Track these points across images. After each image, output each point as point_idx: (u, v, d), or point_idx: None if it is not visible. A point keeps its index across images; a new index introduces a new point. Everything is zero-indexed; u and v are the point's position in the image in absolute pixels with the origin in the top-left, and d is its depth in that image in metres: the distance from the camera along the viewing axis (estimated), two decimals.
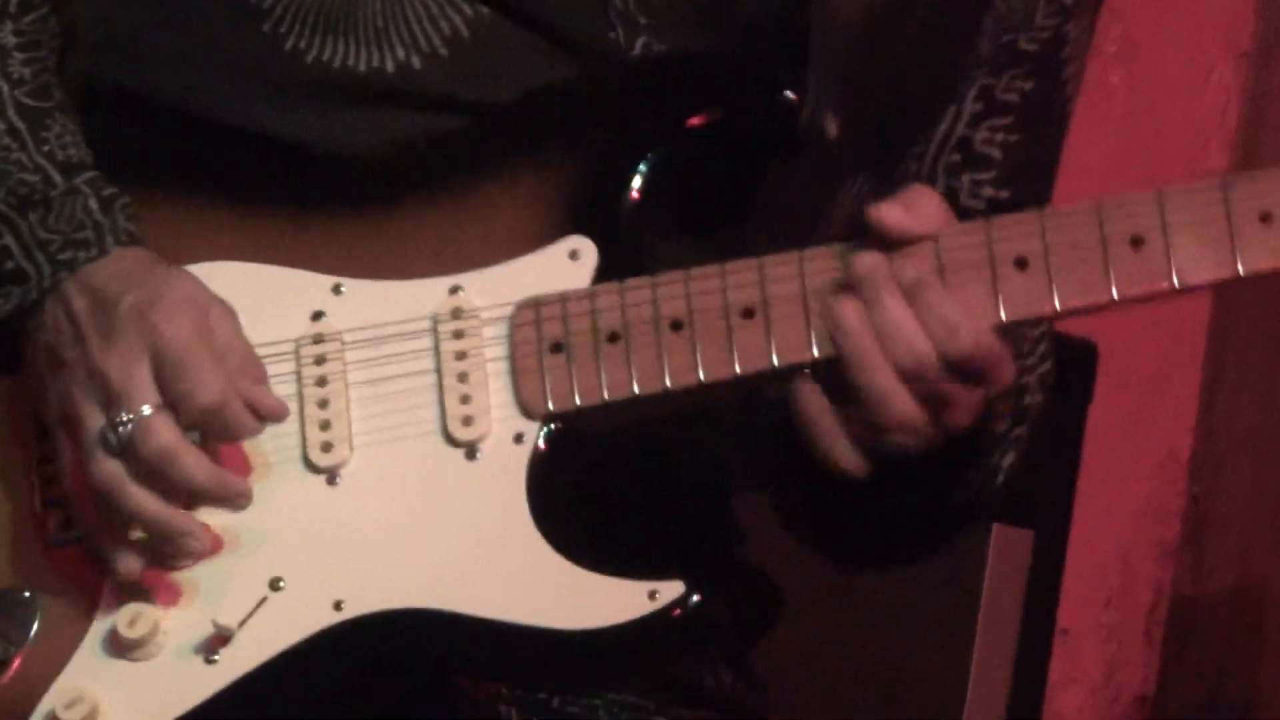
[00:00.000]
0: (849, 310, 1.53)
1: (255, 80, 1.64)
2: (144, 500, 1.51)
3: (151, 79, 1.66)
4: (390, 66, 1.64)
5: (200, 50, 1.65)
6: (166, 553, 1.52)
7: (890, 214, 1.55)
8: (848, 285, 1.54)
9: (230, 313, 1.54)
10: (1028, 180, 1.77)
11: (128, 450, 1.49)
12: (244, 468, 1.54)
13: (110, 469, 1.50)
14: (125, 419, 1.49)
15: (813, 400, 1.54)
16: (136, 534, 1.52)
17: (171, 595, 1.52)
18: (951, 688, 3.11)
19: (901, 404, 1.52)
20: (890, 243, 1.54)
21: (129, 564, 1.53)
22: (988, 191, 1.74)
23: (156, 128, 1.64)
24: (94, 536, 1.54)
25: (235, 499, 1.53)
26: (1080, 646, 3.65)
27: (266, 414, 1.53)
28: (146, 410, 1.49)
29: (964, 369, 1.52)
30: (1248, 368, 3.71)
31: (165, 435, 1.50)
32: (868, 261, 1.53)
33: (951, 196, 1.69)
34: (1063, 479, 3.12)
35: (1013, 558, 3.17)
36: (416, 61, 1.64)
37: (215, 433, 1.52)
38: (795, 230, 1.63)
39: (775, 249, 1.57)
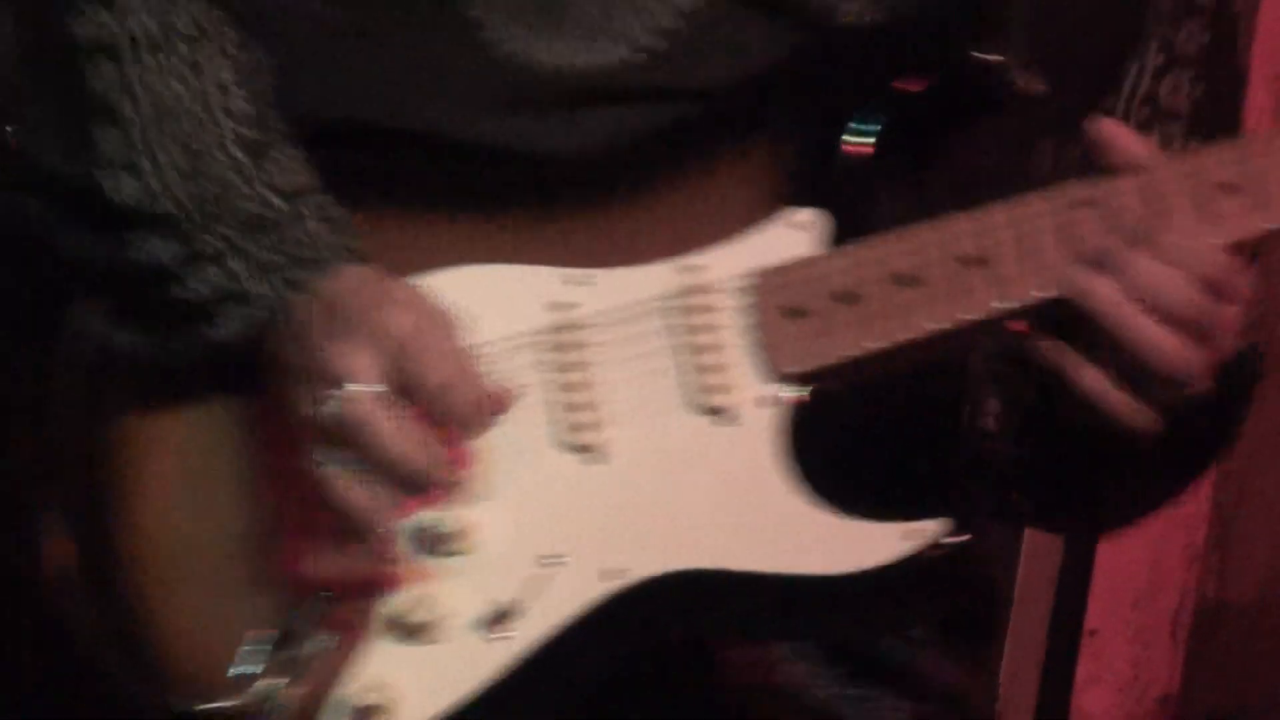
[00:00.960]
0: (1096, 282, 1.58)
1: (473, 91, 1.66)
2: (347, 486, 1.52)
3: (372, 106, 1.67)
4: (609, 63, 1.66)
5: (416, 70, 1.66)
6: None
7: (1119, 130, 1.60)
8: (1082, 250, 1.58)
9: (450, 320, 1.56)
10: (1215, 130, 1.77)
11: (330, 423, 1.50)
12: (472, 459, 1.56)
13: (319, 450, 1.52)
14: (334, 394, 1.50)
15: (1084, 371, 1.59)
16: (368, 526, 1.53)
17: (444, 578, 1.56)
18: (982, 686, 3.18)
19: (1172, 349, 1.56)
20: (1101, 180, 1.59)
21: (366, 561, 1.55)
22: (1178, 145, 1.76)
23: (379, 150, 1.66)
24: (334, 535, 1.55)
25: (439, 468, 1.53)
26: (1107, 646, 3.68)
27: (495, 401, 1.55)
28: (352, 386, 1.50)
29: (1214, 291, 1.56)
30: (1277, 373, 3.70)
31: (369, 405, 1.49)
32: (1094, 224, 1.58)
33: None
34: None
35: (1043, 559, 3.20)
36: (635, 57, 1.66)
37: (447, 415, 1.53)
38: (997, 188, 1.65)
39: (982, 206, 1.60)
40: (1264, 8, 3.82)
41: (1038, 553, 3.31)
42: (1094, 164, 1.62)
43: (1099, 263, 1.58)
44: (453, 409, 1.52)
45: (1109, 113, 1.73)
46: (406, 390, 1.51)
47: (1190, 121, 1.78)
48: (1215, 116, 1.79)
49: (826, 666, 1.70)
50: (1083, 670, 3.46)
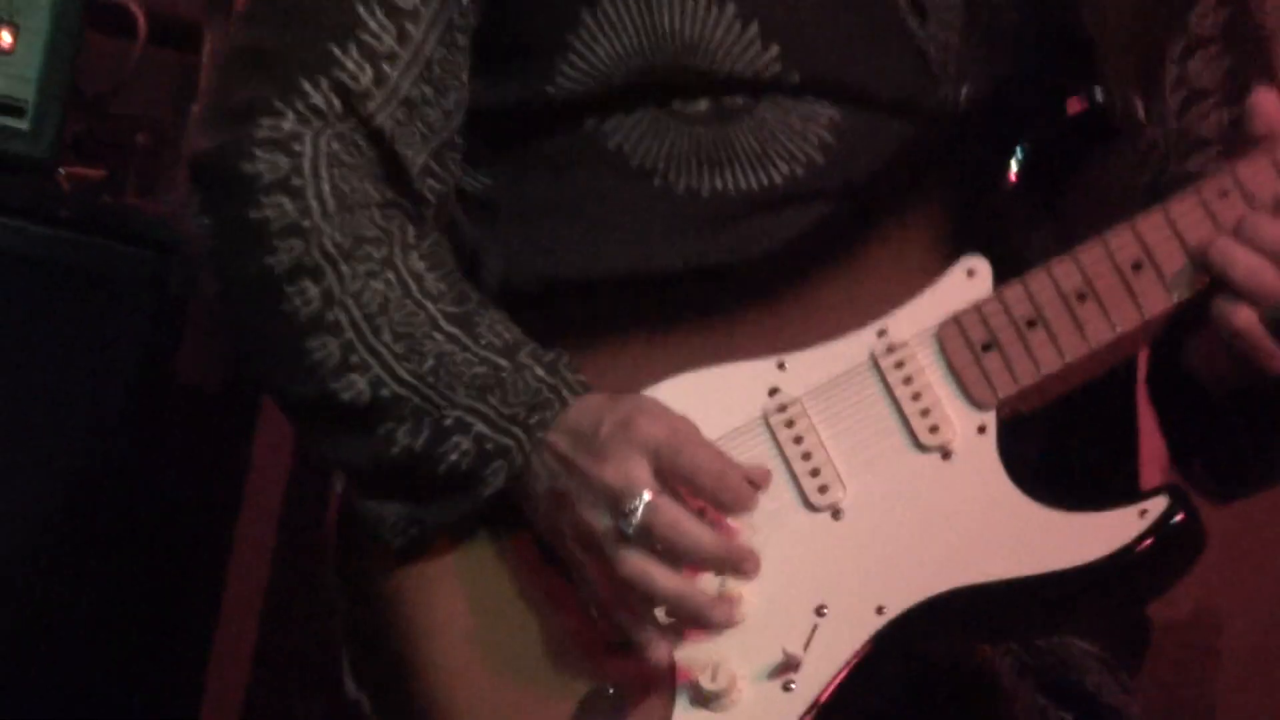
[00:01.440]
0: (1238, 253, 1.72)
1: (654, 227, 1.80)
2: (668, 578, 1.65)
3: (568, 263, 1.82)
4: (777, 180, 1.80)
5: (604, 224, 1.81)
6: (694, 623, 1.67)
7: (1271, 100, 1.73)
8: (1221, 227, 1.73)
9: (689, 421, 1.71)
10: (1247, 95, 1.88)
11: (641, 533, 1.64)
12: (738, 532, 1.71)
13: (633, 558, 1.65)
14: (633, 506, 1.64)
15: (1237, 310, 1.72)
16: (664, 618, 1.66)
17: (728, 644, 1.70)
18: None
19: None
20: (1238, 163, 1.73)
21: (662, 650, 1.67)
22: (1213, 117, 1.93)
23: (575, 298, 1.81)
24: (633, 631, 1.68)
25: (742, 561, 1.68)
26: None
27: (756, 481, 1.70)
28: (648, 495, 1.64)
29: None
30: None
31: (672, 509, 1.65)
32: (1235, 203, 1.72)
33: (1183, 135, 1.91)
34: None
35: None
36: (799, 171, 1.80)
37: (722, 503, 1.69)
38: (1126, 204, 1.80)
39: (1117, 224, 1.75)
40: None
41: None
42: (1241, 132, 1.77)
43: (1237, 234, 1.72)
44: (727, 493, 1.67)
45: (1152, 110, 1.89)
46: (682, 488, 1.67)
47: (1224, 95, 1.93)
48: (1245, 83, 1.89)
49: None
50: None
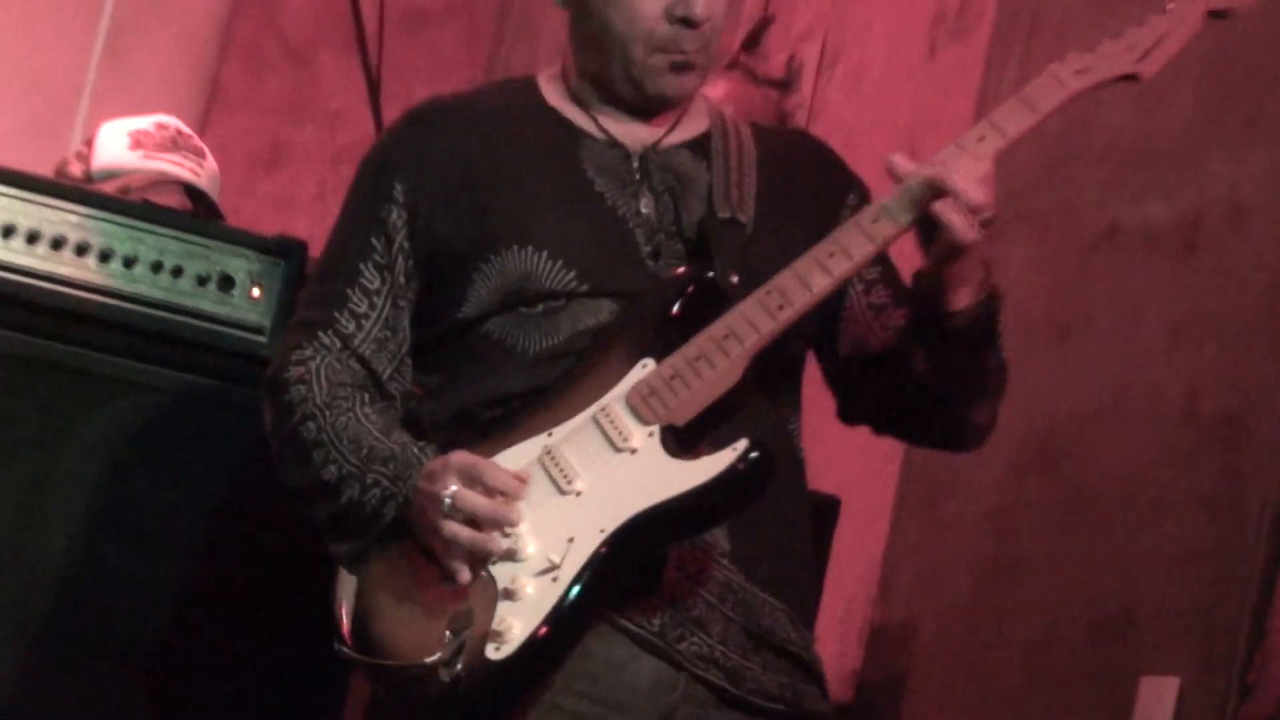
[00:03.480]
0: (940, 204, 2.60)
1: (510, 371, 2.77)
2: (467, 532, 2.63)
3: (468, 397, 2.81)
4: (577, 343, 2.76)
5: (487, 373, 2.79)
6: (485, 554, 2.64)
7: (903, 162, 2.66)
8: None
9: (481, 460, 2.69)
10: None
11: (450, 509, 2.63)
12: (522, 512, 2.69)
13: (448, 524, 2.63)
14: (448, 495, 2.64)
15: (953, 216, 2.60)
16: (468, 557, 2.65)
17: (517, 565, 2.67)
18: None
19: (967, 222, 2.60)
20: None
21: (466, 575, 2.64)
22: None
23: (471, 412, 2.79)
24: (456, 570, 2.65)
25: (507, 516, 2.63)
26: None
27: (521, 477, 2.66)
28: (454, 487, 2.63)
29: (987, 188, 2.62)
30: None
31: (465, 494, 2.63)
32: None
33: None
34: None
35: (1160, 707, 3.63)
36: (586, 336, 2.77)
37: (503, 490, 2.64)
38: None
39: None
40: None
41: (1153, 701, 3.66)
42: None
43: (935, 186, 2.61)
44: (504, 484, 2.65)
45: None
46: (479, 487, 2.66)
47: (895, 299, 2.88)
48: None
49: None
50: None
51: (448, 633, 2.65)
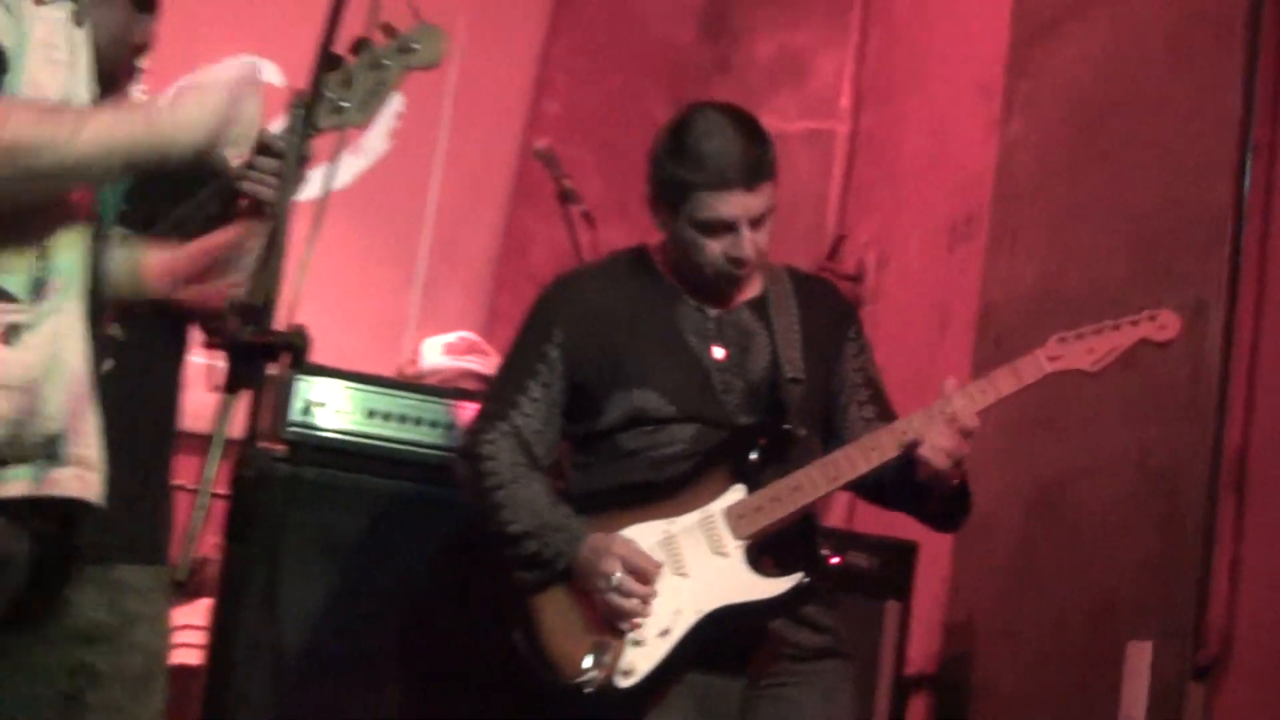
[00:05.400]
0: (928, 449, 3.47)
1: (635, 471, 3.64)
2: (625, 603, 3.46)
3: (599, 483, 3.67)
4: (681, 455, 3.67)
5: (616, 470, 3.69)
6: (631, 619, 3.48)
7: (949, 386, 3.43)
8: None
9: (634, 542, 3.53)
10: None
11: (615, 589, 3.47)
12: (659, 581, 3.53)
13: (613, 598, 3.46)
14: (616, 578, 3.47)
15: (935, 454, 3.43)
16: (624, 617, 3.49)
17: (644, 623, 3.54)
18: None
19: (949, 458, 3.41)
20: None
21: (623, 626, 3.47)
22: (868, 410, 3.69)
23: (602, 497, 3.64)
24: (614, 619, 3.49)
25: (646, 599, 3.49)
26: None
27: (657, 563, 3.52)
28: (619, 575, 3.48)
29: (966, 435, 3.41)
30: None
31: (627, 580, 3.48)
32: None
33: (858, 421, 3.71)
34: None
35: (1141, 662, 4.27)
36: (685, 451, 3.67)
37: (646, 574, 3.49)
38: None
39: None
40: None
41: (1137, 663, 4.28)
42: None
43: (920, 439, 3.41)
44: (649, 569, 3.48)
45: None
46: (632, 569, 3.49)
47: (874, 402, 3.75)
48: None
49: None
50: None
51: (590, 656, 3.49)
